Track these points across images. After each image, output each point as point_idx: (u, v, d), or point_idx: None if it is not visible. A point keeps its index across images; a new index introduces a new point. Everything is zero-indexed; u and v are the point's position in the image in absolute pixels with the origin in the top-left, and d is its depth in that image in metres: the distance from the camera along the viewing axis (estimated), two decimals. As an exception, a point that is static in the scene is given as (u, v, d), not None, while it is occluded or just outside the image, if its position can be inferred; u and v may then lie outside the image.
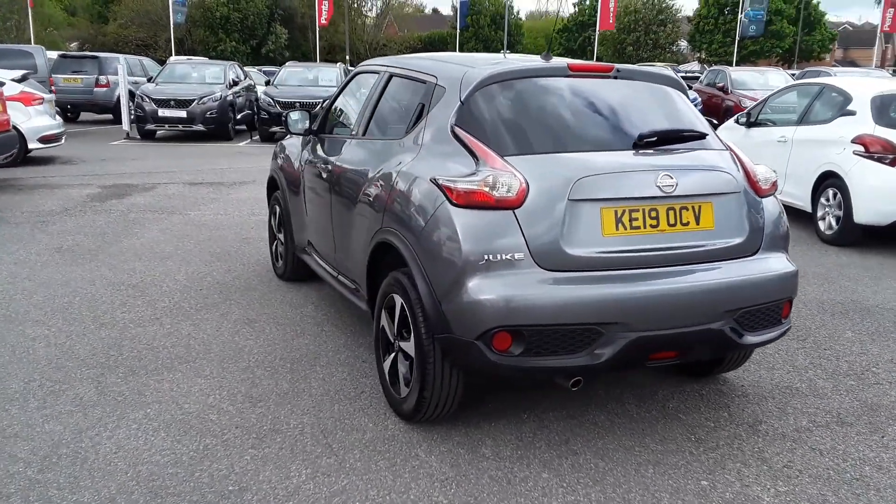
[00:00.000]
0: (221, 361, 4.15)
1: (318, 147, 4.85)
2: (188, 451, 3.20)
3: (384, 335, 3.61)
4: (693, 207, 3.18)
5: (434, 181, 3.16)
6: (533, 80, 3.45)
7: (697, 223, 3.19)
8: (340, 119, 4.92)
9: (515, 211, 2.98)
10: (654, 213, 3.11)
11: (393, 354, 3.52)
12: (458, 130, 3.28)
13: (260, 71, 22.81)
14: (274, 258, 5.87)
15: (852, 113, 7.29)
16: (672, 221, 3.14)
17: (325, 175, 4.43)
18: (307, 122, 4.91)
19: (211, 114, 15.76)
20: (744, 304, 3.18)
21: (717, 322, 3.12)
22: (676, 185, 3.12)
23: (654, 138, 3.29)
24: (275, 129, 15.88)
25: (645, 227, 3.09)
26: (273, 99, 15.90)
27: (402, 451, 3.21)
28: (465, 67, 3.54)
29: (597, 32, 48.67)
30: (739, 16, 34.20)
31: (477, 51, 49.35)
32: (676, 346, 3.11)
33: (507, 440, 3.32)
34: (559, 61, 3.61)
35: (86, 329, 4.61)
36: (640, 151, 3.26)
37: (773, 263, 3.32)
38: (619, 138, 3.32)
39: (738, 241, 3.26)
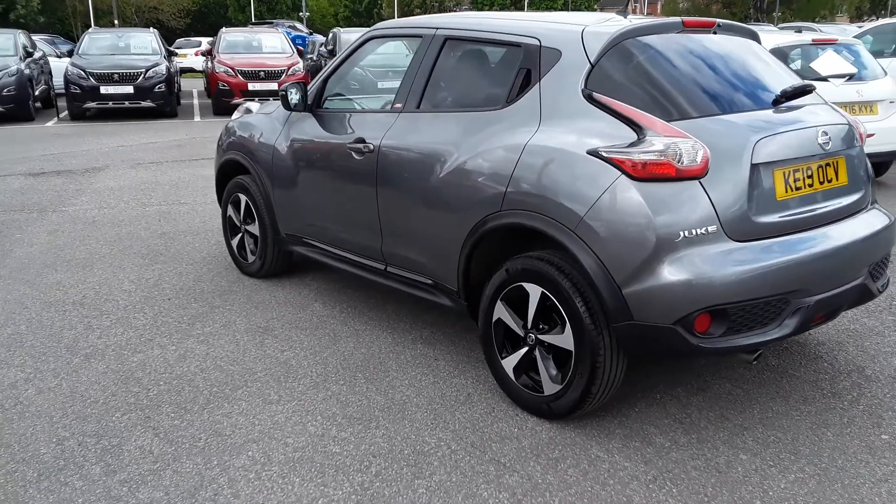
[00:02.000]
0: (278, 381, 3.55)
1: (322, 124, 4.25)
2: (346, 493, 2.68)
3: (502, 330, 3.25)
4: (834, 164, 3.15)
5: (595, 153, 2.84)
6: (659, 36, 3.20)
7: (837, 179, 3.16)
8: (356, 92, 4.35)
9: (701, 181, 2.75)
10: (809, 172, 3.03)
11: (523, 351, 3.17)
12: (599, 96, 2.96)
13: (45, 40, 20.04)
14: (238, 256, 5.14)
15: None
16: (821, 179, 3.09)
17: (356, 156, 3.88)
18: (304, 96, 4.28)
19: (9, 91, 13.65)
20: (878, 256, 3.23)
21: (862, 276, 3.13)
22: (829, 141, 3.05)
23: (790, 95, 3.19)
24: (90, 104, 14.09)
25: (804, 187, 3.01)
26: (84, 71, 14.05)
27: (580, 455, 2.92)
28: (575, 26, 3.22)
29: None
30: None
31: (262, 13, 47.21)
32: (834, 306, 3.08)
33: (668, 425, 3.14)
34: (666, 18, 3.38)
35: (71, 364, 3.75)
36: (780, 108, 3.15)
37: (882, 215, 3.38)
38: (757, 96, 3.19)
39: (860, 194, 3.29)
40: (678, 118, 2.89)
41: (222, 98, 14.86)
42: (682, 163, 2.73)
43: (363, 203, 3.90)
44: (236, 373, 3.64)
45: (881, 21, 11.81)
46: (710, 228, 2.74)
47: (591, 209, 2.81)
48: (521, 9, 46.01)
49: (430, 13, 49.23)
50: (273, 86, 14.80)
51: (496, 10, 47.59)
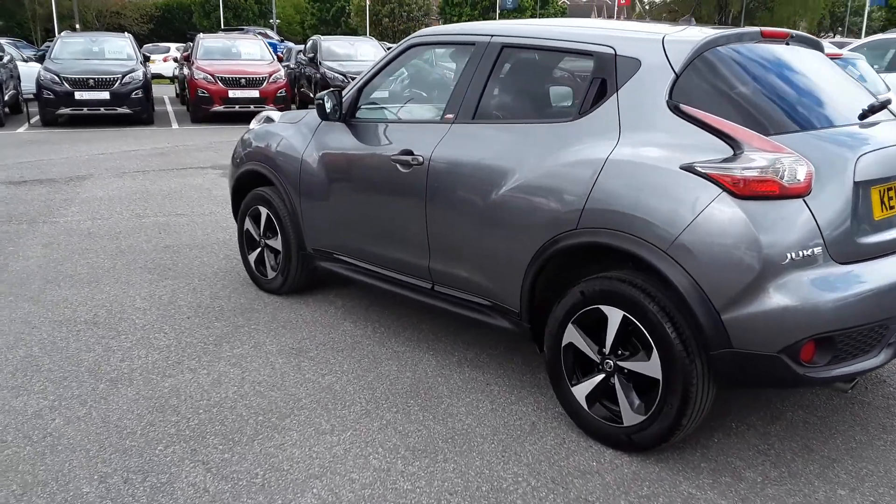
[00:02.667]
0: (326, 408, 3.32)
1: (358, 135, 4.04)
2: (432, 538, 2.47)
3: (573, 355, 3.07)
4: None
5: (690, 169, 2.68)
6: (739, 46, 3.06)
7: None
8: (397, 102, 4.15)
9: (805, 199, 2.61)
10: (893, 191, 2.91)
11: (598, 378, 2.99)
12: (687, 108, 2.80)
13: (11, 44, 19.41)
14: (257, 272, 4.88)
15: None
16: None
17: (402, 169, 3.68)
18: (340, 105, 4.06)
19: (-21, 96, 13.13)
20: None
21: None
22: None
23: (874, 110, 3.07)
24: (63, 110, 13.62)
25: (893, 208, 2.89)
26: (58, 76, 13.57)
27: (671, 492, 2.75)
28: (652, 34, 3.06)
29: (352, 2, 48.28)
30: (500, -11, 35.60)
31: (228, 19, 46.60)
32: None
33: (753, 457, 2.98)
34: (743, 28, 3.24)
35: (97, 390, 3.47)
36: (866, 124, 3.03)
37: None
38: (842, 110, 3.07)
39: None
40: (774, 132, 2.74)
41: (202, 105, 14.50)
42: (786, 180, 2.58)
43: (409, 219, 3.70)
44: (279, 399, 3.39)
45: (878, 36, 11.96)
46: (815, 250, 2.59)
47: (686, 228, 2.64)
48: (491, 20, 46.15)
49: (398, 23, 49.16)
50: (254, 93, 14.50)
51: (465, 21, 47.75)
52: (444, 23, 55.48)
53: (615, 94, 2.99)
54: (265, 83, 14.58)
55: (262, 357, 3.85)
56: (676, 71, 2.89)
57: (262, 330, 4.22)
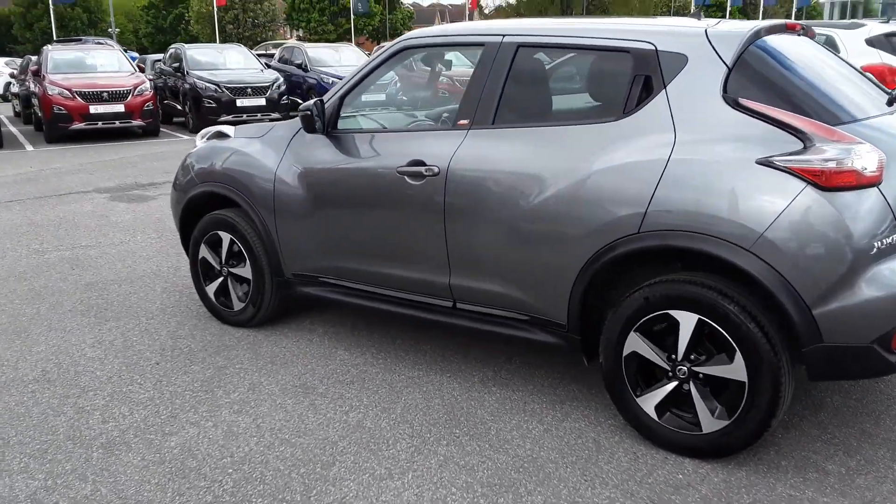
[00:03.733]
0: (371, 450, 3.02)
1: (345, 147, 3.73)
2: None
3: (635, 365, 2.94)
4: None
5: (768, 163, 2.61)
6: (775, 38, 3.04)
7: None
8: (390, 109, 3.85)
9: (879, 188, 2.61)
10: None
11: (670, 386, 2.88)
12: (747, 101, 2.74)
13: None
14: (218, 304, 4.43)
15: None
16: None
17: (412, 181, 3.41)
18: (323, 116, 3.73)
19: None
20: None
21: None
22: None
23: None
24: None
25: None
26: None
27: (774, 497, 2.68)
28: (692, 28, 2.99)
29: (191, 9, 46.14)
30: (351, -7, 35.21)
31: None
32: None
33: (823, 448, 2.98)
34: (772, 21, 3.23)
35: (92, 460, 2.99)
36: (893, 110, 3.10)
37: None
38: (873, 99, 3.11)
39: None
40: (837, 122, 2.73)
41: (58, 124, 13.27)
42: (862, 169, 2.56)
43: (423, 234, 3.44)
44: (312, 446, 3.04)
45: None
46: (895, 237, 2.59)
47: (772, 224, 2.57)
48: (348, 28, 45.62)
49: (242, 30, 47.54)
50: (119, 107, 13.45)
51: (314, 26, 46.90)
52: (292, 29, 54.29)
53: (663, 91, 2.88)
54: (130, 96, 13.56)
55: (267, 399, 3.46)
56: (728, 64, 2.82)
57: (250, 368, 3.81)
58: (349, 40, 44.33)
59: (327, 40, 43.43)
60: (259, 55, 17.60)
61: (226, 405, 3.42)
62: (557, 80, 3.45)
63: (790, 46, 3.06)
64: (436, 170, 3.33)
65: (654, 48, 2.94)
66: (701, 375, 2.81)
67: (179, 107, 15.18)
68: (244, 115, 14.38)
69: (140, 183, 9.32)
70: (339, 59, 16.61)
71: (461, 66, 8.10)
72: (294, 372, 3.76)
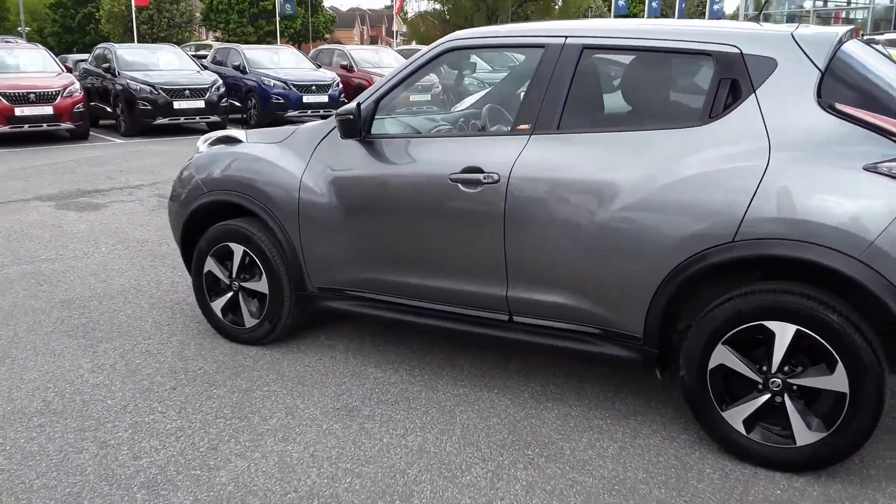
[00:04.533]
0: (446, 477, 2.82)
1: (383, 153, 3.51)
2: None
3: (721, 378, 2.84)
4: None
5: (876, 169, 2.55)
6: (852, 43, 3.00)
7: None
8: (428, 113, 3.63)
9: None
10: None
11: (761, 400, 2.79)
12: (844, 107, 2.68)
13: None
14: (226, 321, 4.11)
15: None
16: None
17: (466, 188, 3.23)
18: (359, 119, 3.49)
19: None
20: None
21: None
22: None
23: None
24: None
25: None
26: None
27: (877, 509, 2.60)
28: (777, 31, 2.92)
29: (102, 8, 44.23)
30: (277, -6, 34.42)
31: None
32: None
33: (906, 456, 2.93)
34: (849, 26, 3.18)
35: (138, 502, 2.67)
36: None
37: None
38: None
39: None
40: None
41: (-21, 127, 12.36)
42: (964, 174, 2.53)
43: (478, 245, 3.25)
44: (381, 476, 2.81)
45: None
46: None
47: (883, 232, 2.50)
48: (273, 32, 44.61)
49: (157, 30, 45.88)
50: (47, 109, 12.65)
51: (233, 28, 45.70)
52: (209, 30, 52.76)
53: (752, 96, 2.79)
54: (59, 98, 12.76)
55: (311, 425, 3.20)
56: (821, 68, 2.75)
57: (279, 390, 3.53)
58: (270, 42, 43.41)
59: (247, 42, 42.43)
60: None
61: (268, 433, 3.13)
62: (625, 83, 3.31)
63: (862, 51, 3.02)
64: (496, 177, 3.15)
65: (739, 51, 2.84)
66: (796, 387, 2.72)
67: (109, 109, 14.40)
68: (181, 119, 13.77)
69: (84, 189, 8.74)
70: (279, 62, 16.16)
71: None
72: (328, 393, 3.50)
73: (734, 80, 2.83)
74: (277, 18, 35.42)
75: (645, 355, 3.00)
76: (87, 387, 3.58)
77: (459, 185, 3.24)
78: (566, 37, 3.19)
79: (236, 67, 15.82)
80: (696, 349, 2.85)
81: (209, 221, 4.11)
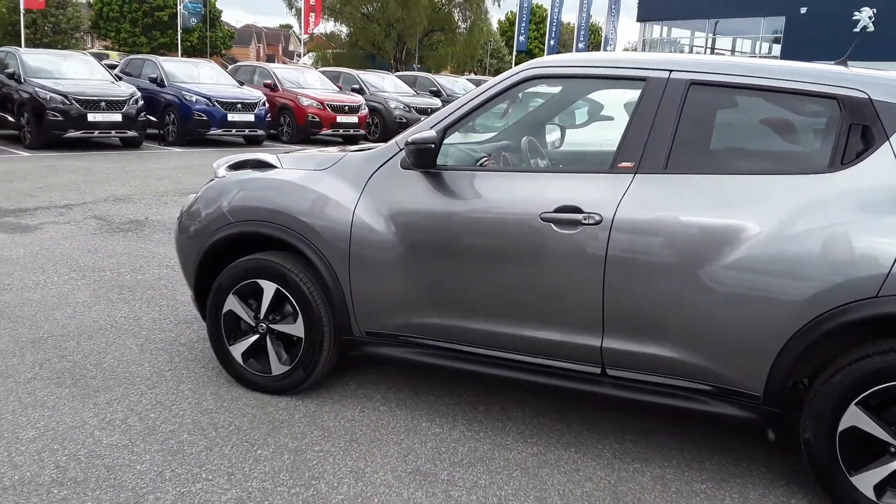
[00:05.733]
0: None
1: (457, 187, 3.22)
2: None
3: (853, 440, 2.70)
4: None
5: None
6: None
7: None
8: (504, 144, 3.37)
9: None
10: None
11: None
12: None
13: None
14: (247, 368, 3.66)
15: (609, 118, 7.95)
16: None
17: (560, 229, 2.98)
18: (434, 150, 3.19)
19: None
20: None
21: None
22: None
23: None
24: None
25: None
26: None
27: None
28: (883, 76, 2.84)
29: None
30: (179, 7, 33.07)
31: None
32: None
33: None
34: None
35: None
36: None
37: None
38: None
39: None
40: None
41: None
42: None
43: (572, 291, 3.00)
44: (499, 556, 2.48)
45: None
46: None
47: None
48: (167, 44, 42.84)
49: (40, 35, 43.19)
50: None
51: (124, 37, 43.65)
52: (96, 39, 50.19)
53: (887, 143, 2.69)
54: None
55: (390, 493, 2.84)
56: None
57: (333, 451, 3.14)
58: (163, 54, 41.63)
59: (138, 52, 40.59)
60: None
61: (343, 502, 2.74)
62: (746, 124, 3.15)
63: None
64: (597, 217, 2.91)
65: (867, 97, 2.74)
66: (931, 451, 2.60)
67: (11, 118, 13.23)
68: (95, 133, 12.83)
69: (6, 209, 7.88)
70: (199, 76, 15.38)
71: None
72: (390, 453, 3.13)
73: (865, 127, 2.72)
74: (179, 31, 34.03)
75: (763, 416, 2.82)
76: (103, 448, 3.06)
77: (552, 224, 2.98)
78: (670, 70, 3.01)
79: (153, 80, 14.94)
80: (824, 410, 2.69)
81: (231, 255, 3.66)
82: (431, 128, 3.23)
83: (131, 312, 4.73)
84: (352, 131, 16.34)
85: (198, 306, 3.83)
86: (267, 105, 15.09)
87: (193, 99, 14.15)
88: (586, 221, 2.93)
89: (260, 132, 14.95)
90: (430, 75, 22.59)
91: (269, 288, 3.53)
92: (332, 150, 3.88)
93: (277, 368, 3.59)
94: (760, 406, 2.82)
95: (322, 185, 3.43)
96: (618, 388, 3.03)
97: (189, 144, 14.39)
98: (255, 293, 3.58)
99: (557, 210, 2.98)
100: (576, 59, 3.26)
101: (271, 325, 3.58)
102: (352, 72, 19.37)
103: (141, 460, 2.99)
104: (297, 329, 3.51)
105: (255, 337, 3.62)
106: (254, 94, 15.06)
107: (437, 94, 19.42)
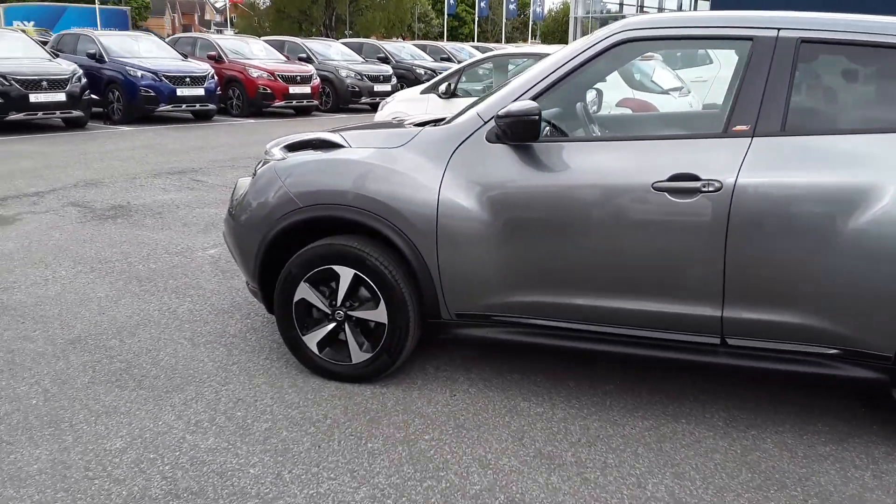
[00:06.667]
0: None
1: (550, 159, 3.09)
2: None
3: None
4: None
5: None
6: None
7: None
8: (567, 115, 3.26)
9: None
10: None
11: None
12: None
13: None
14: (323, 357, 3.49)
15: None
16: None
17: (675, 198, 2.90)
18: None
19: None
20: None
21: None
22: None
23: None
24: None
25: None
26: None
27: None
28: None
29: None
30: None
31: None
32: None
33: None
34: None
35: None
36: None
37: None
38: None
39: None
40: None
41: None
42: None
43: (690, 262, 2.93)
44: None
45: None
46: None
47: None
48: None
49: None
50: None
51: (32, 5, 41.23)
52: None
53: None
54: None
55: (527, 480, 2.74)
56: None
57: (447, 439, 3.03)
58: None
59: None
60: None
61: (484, 493, 2.63)
62: (872, 81, 3.09)
63: None
64: (717, 184, 2.83)
65: None
66: None
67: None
68: (39, 114, 12.10)
69: (-31, 198, 7.35)
70: (139, 50, 14.64)
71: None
72: (503, 437, 3.03)
73: None
74: (97, 3, 32.32)
75: (893, 376, 2.81)
76: (203, 453, 2.86)
77: (667, 194, 2.89)
78: (778, 28, 2.93)
79: (91, 56, 14.14)
80: (954, 365, 2.70)
81: (296, 243, 3.47)
82: (516, 99, 3.09)
83: (163, 305, 4.46)
84: (305, 102, 15.90)
85: (262, 297, 3.61)
86: (216, 78, 14.49)
87: (139, 74, 13.48)
88: (706, 189, 2.85)
89: (211, 107, 14.39)
90: (376, 42, 22.12)
91: (346, 274, 3.34)
92: (392, 124, 3.71)
93: (358, 356, 3.43)
94: (891, 366, 2.81)
95: (401, 164, 3.25)
96: (737, 358, 2.98)
97: (136, 122, 13.74)
98: (329, 280, 3.39)
99: (671, 178, 2.89)
100: (671, 20, 3.14)
101: (349, 312, 3.40)
102: (297, 40, 18.76)
103: (250, 463, 2.80)
104: (378, 315, 3.35)
105: (332, 325, 3.43)
106: (202, 66, 14.44)
107: (385, 60, 18.99)
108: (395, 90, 17.54)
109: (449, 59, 21.43)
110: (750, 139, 2.87)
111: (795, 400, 3.37)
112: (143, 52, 14.65)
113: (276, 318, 3.54)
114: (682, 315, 2.99)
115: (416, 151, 3.26)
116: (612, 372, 3.61)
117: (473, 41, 43.67)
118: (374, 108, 18.00)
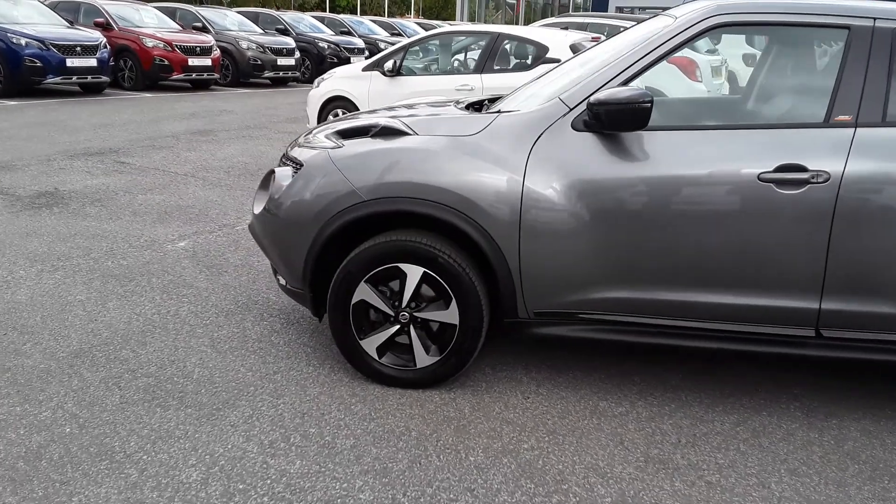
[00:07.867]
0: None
1: (646, 149, 2.98)
2: None
3: None
4: None
5: None
6: None
7: None
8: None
9: None
10: None
11: None
12: None
13: None
14: (384, 363, 3.24)
15: (556, 60, 7.83)
16: None
17: (782, 189, 2.85)
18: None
19: None
20: None
21: None
22: None
23: None
24: None
25: None
26: None
27: None
28: None
29: None
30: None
31: None
32: None
33: None
34: None
35: None
36: None
37: None
38: None
39: None
40: None
41: None
42: None
43: (793, 253, 2.89)
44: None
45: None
46: None
47: None
48: None
49: None
50: None
51: None
52: None
53: None
54: None
55: (652, 488, 2.63)
56: None
57: (546, 446, 2.87)
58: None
59: None
60: None
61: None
62: None
63: None
64: (826, 175, 2.80)
65: None
66: None
67: None
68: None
69: None
70: (18, 16, 13.27)
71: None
72: (602, 442, 2.91)
73: None
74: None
75: None
76: (296, 479, 2.58)
77: (773, 185, 2.83)
78: (874, 18, 2.91)
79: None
80: None
81: (353, 239, 3.19)
82: (603, 86, 2.94)
83: (159, 307, 4.02)
84: (205, 75, 14.99)
85: (311, 301, 3.29)
86: (108, 47, 13.39)
87: (22, 42, 12.23)
88: (815, 180, 2.80)
89: (104, 79, 13.30)
90: (273, 12, 21.13)
91: (414, 272, 3.09)
92: (460, 109, 3.49)
93: (424, 360, 3.19)
94: None
95: (479, 154, 3.02)
96: (832, 350, 2.98)
97: (20, 96, 12.49)
98: (391, 279, 3.13)
99: (778, 169, 2.82)
100: (768, 5, 3.06)
101: (415, 314, 3.15)
102: (191, 8, 17.61)
103: (356, 487, 2.54)
104: (449, 316, 3.12)
105: (395, 328, 3.17)
106: (93, 35, 13.29)
107: (284, 32, 18.19)
108: (298, 65, 16.91)
109: (349, 33, 20.82)
110: (853, 129, 2.84)
111: (848, 385, 3.41)
112: (22, 17, 13.28)
113: (330, 322, 3.24)
114: (777, 308, 2.96)
115: (494, 140, 3.04)
116: (674, 365, 3.54)
117: (356, 14, 42.72)
118: (276, 82, 17.31)
